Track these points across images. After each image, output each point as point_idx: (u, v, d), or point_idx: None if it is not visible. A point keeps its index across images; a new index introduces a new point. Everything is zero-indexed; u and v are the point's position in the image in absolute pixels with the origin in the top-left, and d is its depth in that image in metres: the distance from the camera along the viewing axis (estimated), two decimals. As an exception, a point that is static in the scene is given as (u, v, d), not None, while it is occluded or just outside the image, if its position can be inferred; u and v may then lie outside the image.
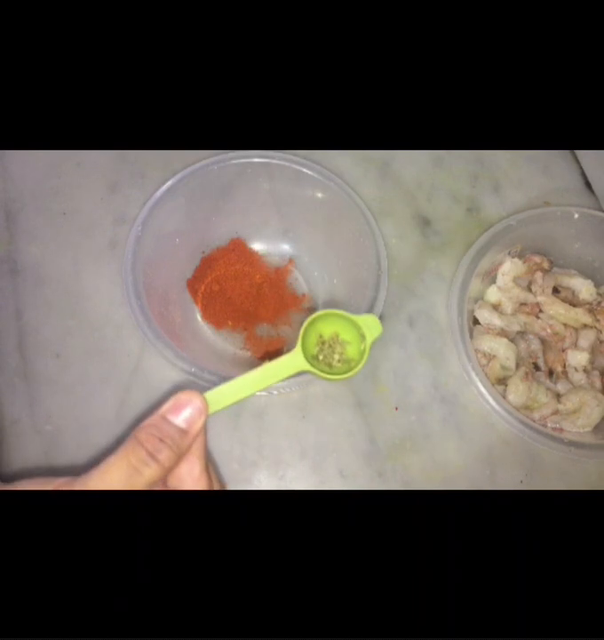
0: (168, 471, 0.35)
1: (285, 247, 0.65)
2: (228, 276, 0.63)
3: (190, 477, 0.37)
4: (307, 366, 0.45)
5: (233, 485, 0.55)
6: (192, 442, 0.37)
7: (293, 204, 0.65)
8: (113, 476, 0.34)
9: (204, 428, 0.38)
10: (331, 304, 0.62)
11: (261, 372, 0.43)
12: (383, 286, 0.58)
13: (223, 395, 0.41)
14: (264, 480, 0.56)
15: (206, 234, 0.64)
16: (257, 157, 0.63)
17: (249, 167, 0.63)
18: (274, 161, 0.62)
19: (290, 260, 0.65)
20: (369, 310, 0.56)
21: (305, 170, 0.62)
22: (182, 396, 0.37)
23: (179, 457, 0.36)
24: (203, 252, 0.64)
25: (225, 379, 0.53)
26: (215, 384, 0.43)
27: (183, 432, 0.36)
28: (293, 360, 0.45)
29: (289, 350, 0.60)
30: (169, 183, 0.60)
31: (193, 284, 0.62)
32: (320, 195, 0.63)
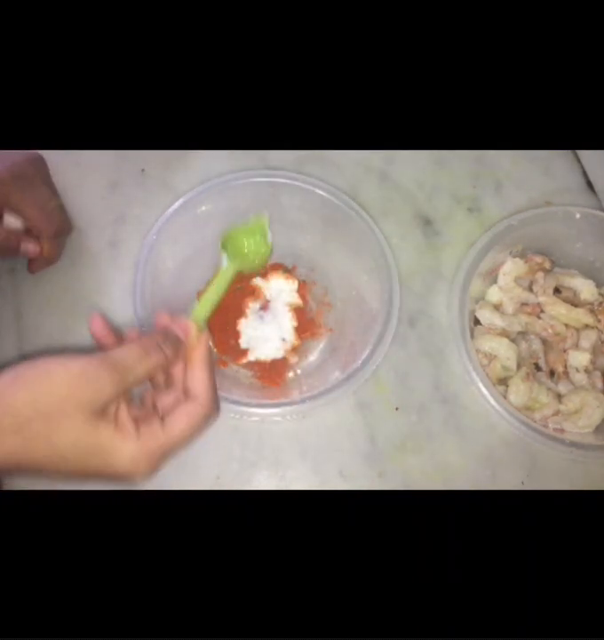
0: (169, 363, 0.43)
1: (298, 268, 0.65)
2: (239, 294, 0.63)
3: (201, 381, 0.43)
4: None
5: (233, 486, 0.55)
6: (185, 347, 0.44)
7: (311, 226, 0.64)
8: (129, 353, 0.40)
9: (206, 343, 0.45)
10: (339, 327, 0.62)
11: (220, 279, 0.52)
12: (393, 323, 0.58)
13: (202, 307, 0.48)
14: (264, 480, 0.55)
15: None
16: (278, 178, 0.63)
17: (270, 186, 0.63)
18: (296, 183, 0.62)
19: (303, 284, 0.64)
20: (375, 346, 0.56)
21: (323, 193, 0.62)
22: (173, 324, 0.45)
23: (177, 353, 0.43)
24: (218, 265, 0.63)
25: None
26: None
27: (180, 338, 0.44)
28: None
29: (295, 375, 0.60)
30: (187, 196, 0.61)
31: None
32: (336, 217, 0.62)
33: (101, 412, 0.37)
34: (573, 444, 0.55)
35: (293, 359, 0.61)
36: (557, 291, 0.64)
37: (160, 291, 0.58)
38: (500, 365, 0.60)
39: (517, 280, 0.64)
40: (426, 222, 0.67)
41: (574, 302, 0.64)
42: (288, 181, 0.63)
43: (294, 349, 0.61)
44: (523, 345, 0.62)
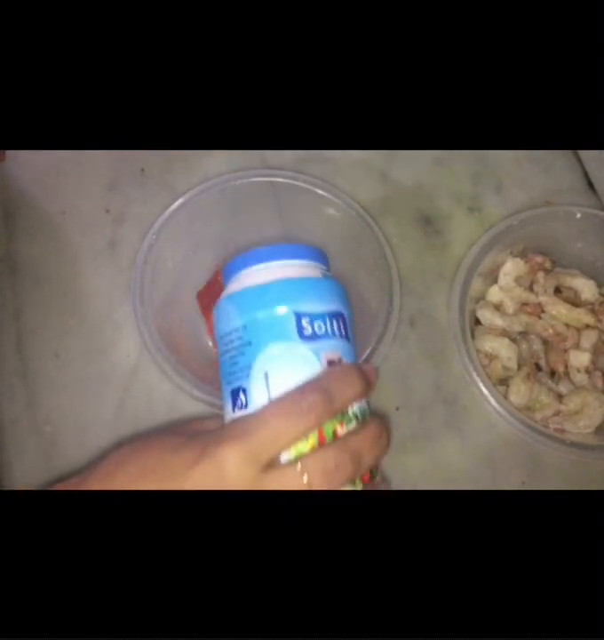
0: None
1: None
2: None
3: None
4: None
5: (232, 486, 0.55)
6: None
7: (311, 226, 0.64)
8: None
9: None
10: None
11: None
12: (393, 323, 0.58)
13: None
14: (264, 481, 0.55)
15: (222, 248, 0.63)
16: (278, 177, 0.63)
17: (270, 186, 0.63)
18: (296, 183, 0.62)
19: None
20: (375, 346, 0.56)
21: (323, 192, 0.62)
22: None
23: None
24: (218, 265, 0.63)
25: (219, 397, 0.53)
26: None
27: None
28: None
29: None
30: (187, 196, 0.61)
31: (202, 297, 0.62)
32: (336, 217, 0.62)
33: None
34: (574, 445, 0.55)
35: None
36: (558, 291, 0.64)
37: (160, 291, 0.58)
38: (501, 365, 0.60)
39: (517, 280, 0.64)
40: (426, 222, 0.67)
41: (575, 302, 0.63)
42: (288, 181, 0.63)
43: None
44: (524, 345, 0.62)
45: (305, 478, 0.36)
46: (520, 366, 0.60)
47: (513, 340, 0.61)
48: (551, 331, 0.62)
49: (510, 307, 0.63)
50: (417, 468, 0.56)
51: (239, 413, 0.39)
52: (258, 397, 0.38)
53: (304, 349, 0.39)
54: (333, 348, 0.40)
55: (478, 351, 0.60)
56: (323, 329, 0.40)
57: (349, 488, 0.38)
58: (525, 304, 0.63)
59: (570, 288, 0.64)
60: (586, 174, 0.70)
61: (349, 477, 0.37)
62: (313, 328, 0.40)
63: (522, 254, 0.65)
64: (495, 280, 0.64)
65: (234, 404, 0.39)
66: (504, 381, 0.60)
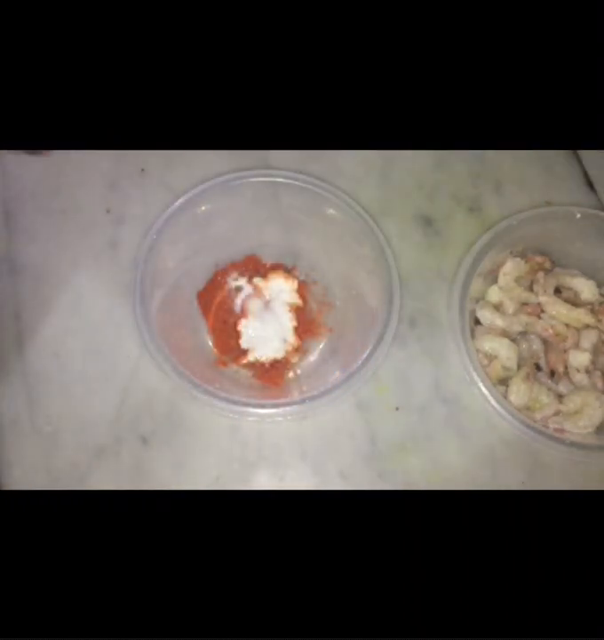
0: None
1: (298, 268, 0.65)
2: (239, 294, 0.63)
3: None
4: None
5: (233, 486, 0.55)
6: None
7: (311, 226, 0.64)
8: None
9: None
10: (339, 327, 0.62)
11: None
12: (393, 323, 0.58)
13: None
14: (264, 481, 0.55)
15: (221, 248, 0.63)
16: (278, 177, 0.63)
17: (270, 186, 0.63)
18: (296, 183, 0.63)
19: (303, 284, 0.64)
20: (375, 346, 0.56)
21: (323, 192, 0.62)
22: None
23: None
24: (217, 265, 0.63)
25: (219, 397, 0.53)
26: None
27: None
28: None
29: (295, 375, 0.60)
30: (187, 196, 0.61)
31: (202, 297, 0.62)
32: (336, 217, 0.62)
33: None
34: (573, 445, 0.55)
35: (293, 359, 0.61)
36: (558, 291, 0.64)
37: (160, 291, 0.58)
38: (500, 365, 0.60)
39: (518, 280, 0.64)
40: (426, 222, 0.67)
41: (574, 302, 0.63)
42: (288, 181, 0.63)
43: (294, 349, 0.61)
44: (524, 345, 0.62)
45: None
46: (519, 366, 0.60)
47: (513, 340, 0.61)
48: (550, 331, 0.62)
49: (510, 307, 0.63)
50: (417, 469, 0.56)
51: None
52: None
53: None
54: None
55: (478, 351, 0.60)
56: None
57: None
58: (525, 304, 0.63)
59: (570, 288, 0.64)
60: (586, 174, 0.70)
61: None
62: None
63: (522, 254, 0.65)
64: (495, 280, 0.64)
65: None
66: (504, 381, 0.60)
